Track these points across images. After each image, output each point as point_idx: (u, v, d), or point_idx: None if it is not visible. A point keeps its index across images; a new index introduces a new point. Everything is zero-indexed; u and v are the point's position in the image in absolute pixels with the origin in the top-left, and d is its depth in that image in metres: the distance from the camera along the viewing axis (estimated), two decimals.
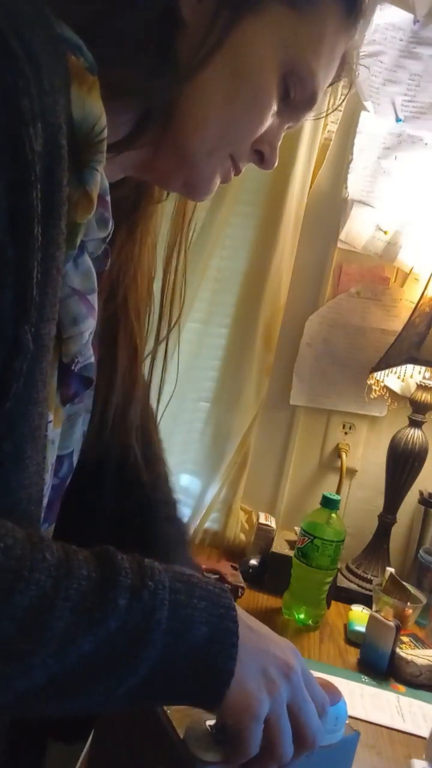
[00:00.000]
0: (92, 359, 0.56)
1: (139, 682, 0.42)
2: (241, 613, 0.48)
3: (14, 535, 0.40)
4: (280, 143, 0.60)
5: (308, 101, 0.58)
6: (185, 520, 0.81)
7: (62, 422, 0.55)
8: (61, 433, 0.56)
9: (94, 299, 0.53)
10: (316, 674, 0.57)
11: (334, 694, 0.60)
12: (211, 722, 0.53)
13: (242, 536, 1.39)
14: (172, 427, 1.40)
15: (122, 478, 0.73)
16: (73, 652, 0.40)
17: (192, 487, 1.42)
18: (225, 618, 0.46)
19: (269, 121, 0.57)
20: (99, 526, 0.70)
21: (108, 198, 0.51)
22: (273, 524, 1.32)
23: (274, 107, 0.56)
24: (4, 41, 0.39)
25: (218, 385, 1.39)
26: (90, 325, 0.53)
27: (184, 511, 1.42)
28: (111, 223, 0.53)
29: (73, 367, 0.52)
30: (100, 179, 0.48)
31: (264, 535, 1.30)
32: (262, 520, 1.32)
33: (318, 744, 0.51)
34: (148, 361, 0.70)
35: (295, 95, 0.56)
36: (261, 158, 0.60)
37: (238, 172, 0.60)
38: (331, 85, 0.61)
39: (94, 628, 0.40)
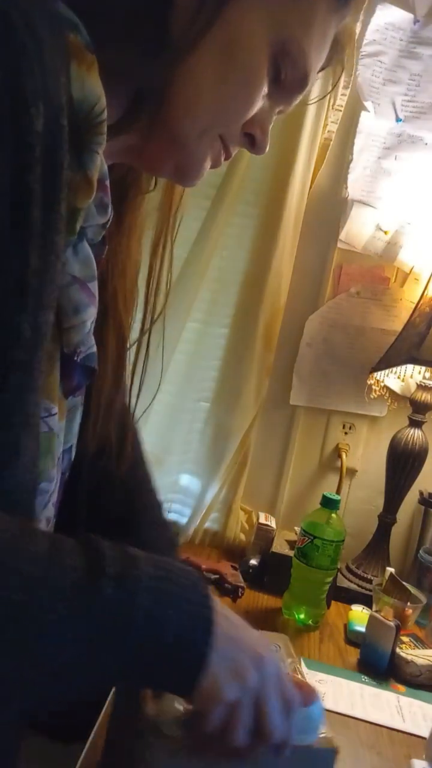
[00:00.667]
0: (94, 348, 0.55)
1: (119, 666, 0.44)
2: (219, 604, 0.49)
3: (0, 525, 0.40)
4: (270, 127, 0.60)
5: (299, 82, 0.57)
6: (170, 522, 0.81)
7: (65, 415, 0.55)
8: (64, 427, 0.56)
9: (94, 287, 0.53)
10: (316, 676, 0.57)
11: (310, 695, 0.60)
12: (182, 705, 0.55)
13: (242, 536, 1.39)
14: (172, 427, 1.40)
15: (100, 473, 0.72)
16: (57, 640, 0.40)
17: (192, 487, 1.42)
18: (203, 607, 0.47)
19: (260, 102, 0.56)
20: (80, 524, 0.70)
21: (107, 183, 0.51)
22: (273, 524, 1.32)
23: (265, 88, 0.55)
24: (6, 17, 0.38)
25: (218, 385, 1.39)
26: (91, 314, 0.52)
27: (184, 511, 1.43)
28: (110, 209, 0.53)
29: (75, 358, 0.52)
30: (100, 163, 0.47)
31: (264, 535, 1.30)
32: (262, 520, 1.32)
33: (279, 739, 0.51)
34: (132, 354, 0.69)
35: (287, 76, 0.55)
36: (252, 142, 0.59)
37: (228, 155, 0.59)
38: (323, 69, 0.61)
39: (78, 617, 0.41)
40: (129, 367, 0.70)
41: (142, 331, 0.69)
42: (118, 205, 0.64)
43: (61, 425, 0.53)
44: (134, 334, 0.71)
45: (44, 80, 0.40)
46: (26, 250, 0.41)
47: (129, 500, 0.76)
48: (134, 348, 0.69)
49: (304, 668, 0.98)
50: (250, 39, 0.52)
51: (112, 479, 0.73)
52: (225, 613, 0.49)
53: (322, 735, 0.61)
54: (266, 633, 0.79)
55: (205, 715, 0.48)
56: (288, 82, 0.56)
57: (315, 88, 1.26)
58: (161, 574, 0.46)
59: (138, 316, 0.69)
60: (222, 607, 0.49)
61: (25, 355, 0.42)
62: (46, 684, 0.43)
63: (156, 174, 0.62)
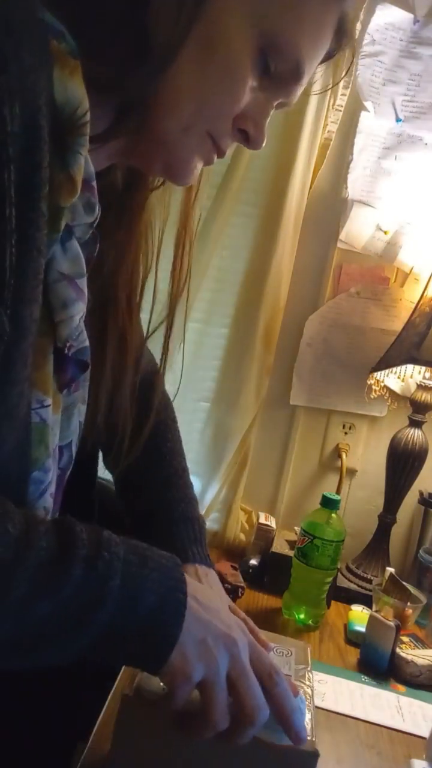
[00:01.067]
0: (86, 343, 0.56)
1: (89, 642, 0.46)
2: (193, 587, 0.51)
3: None
4: (266, 121, 0.59)
5: (292, 74, 0.56)
6: (194, 517, 0.81)
7: (60, 409, 0.55)
8: (60, 422, 0.56)
9: (83, 283, 0.53)
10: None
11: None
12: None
13: (242, 536, 1.39)
14: None
15: (109, 465, 0.73)
16: (30, 617, 0.43)
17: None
18: (175, 589, 0.49)
19: (246, 96, 0.55)
20: (90, 517, 0.71)
21: (94, 183, 0.51)
22: (273, 524, 1.32)
23: (252, 82, 0.55)
24: None
25: (218, 385, 1.39)
26: (80, 309, 0.53)
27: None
28: (98, 209, 0.53)
29: (66, 351, 0.53)
30: (84, 163, 0.48)
31: (264, 535, 1.30)
32: (262, 520, 1.32)
33: (261, 717, 0.53)
34: (161, 338, 0.72)
35: (276, 67, 0.55)
36: (246, 138, 0.59)
37: (220, 153, 0.58)
38: (331, 57, 0.60)
39: (50, 596, 0.43)
40: (158, 353, 0.73)
41: (168, 314, 0.73)
42: (119, 201, 0.64)
43: (56, 417, 0.54)
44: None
45: (21, 80, 0.40)
46: (2, 245, 0.41)
47: (152, 501, 0.78)
48: (163, 332, 0.72)
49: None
50: (229, 34, 0.52)
51: (133, 477, 0.75)
52: (198, 596, 0.51)
53: (306, 738, 0.61)
54: (289, 640, 0.80)
55: (173, 693, 0.50)
56: (278, 73, 0.55)
57: (317, 85, 1.26)
58: (133, 559, 0.48)
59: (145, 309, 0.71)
60: (197, 590, 0.51)
61: (6, 349, 0.43)
62: (15, 655, 0.45)
63: (149, 173, 0.62)
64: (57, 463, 0.58)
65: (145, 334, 0.75)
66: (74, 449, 0.62)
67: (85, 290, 0.54)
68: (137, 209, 0.66)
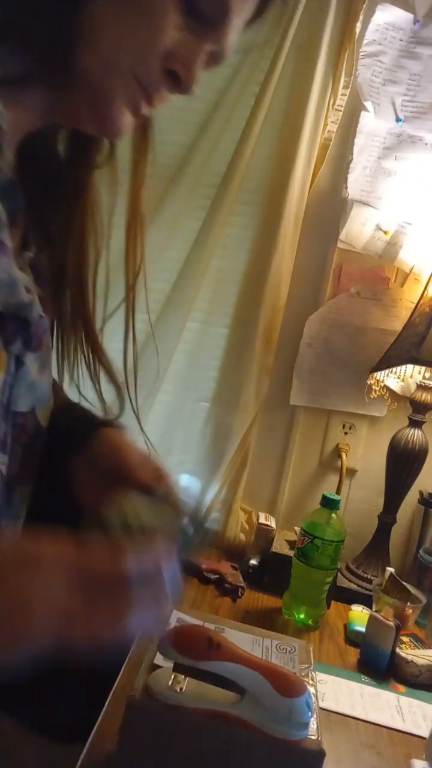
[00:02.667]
0: (26, 299, 0.54)
1: None
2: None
3: None
4: (197, 64, 0.56)
5: (219, 15, 0.54)
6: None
7: (5, 366, 0.54)
8: (19, 386, 0.56)
9: (4, 236, 0.52)
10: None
11: (297, 688, 0.60)
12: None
13: (242, 536, 1.39)
14: (172, 427, 1.40)
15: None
16: None
17: (192, 487, 1.42)
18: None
19: (170, 32, 0.53)
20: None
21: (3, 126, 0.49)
22: (273, 524, 1.32)
23: (175, 17, 0.53)
24: None
25: (218, 385, 1.39)
26: (5, 265, 0.51)
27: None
28: (8, 154, 0.52)
29: (1, 308, 0.52)
30: None
31: (264, 535, 1.30)
32: (262, 520, 1.32)
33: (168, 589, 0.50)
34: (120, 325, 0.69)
35: (201, 5, 0.53)
36: (176, 81, 0.56)
37: (149, 99, 0.56)
38: (265, 8, 0.59)
39: None
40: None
41: (126, 294, 0.68)
42: (68, 178, 0.63)
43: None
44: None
45: None
46: None
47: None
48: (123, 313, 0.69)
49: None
50: None
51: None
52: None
53: (311, 736, 0.61)
54: (290, 638, 0.81)
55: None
56: (204, 13, 0.53)
57: (317, 88, 1.26)
58: None
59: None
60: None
61: None
62: None
63: (77, 125, 0.59)
64: (22, 431, 0.58)
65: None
66: (41, 418, 0.61)
67: (8, 242, 0.52)
68: (81, 185, 0.64)
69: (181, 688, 0.63)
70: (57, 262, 0.64)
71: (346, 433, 1.42)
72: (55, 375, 0.68)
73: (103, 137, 0.62)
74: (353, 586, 1.27)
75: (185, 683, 0.64)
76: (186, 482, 1.43)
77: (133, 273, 0.68)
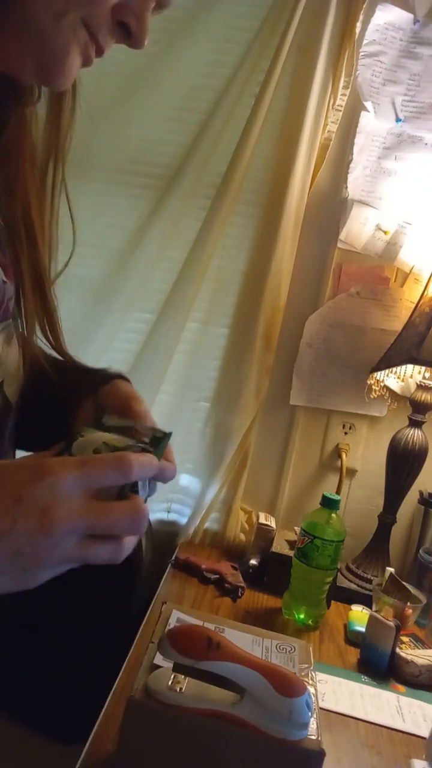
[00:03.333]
0: None
1: None
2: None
3: None
4: (148, 16, 0.53)
5: None
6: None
7: None
8: None
9: None
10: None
11: (297, 687, 0.60)
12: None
13: (242, 536, 1.39)
14: (172, 427, 1.40)
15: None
16: None
17: (192, 487, 1.42)
18: None
19: None
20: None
21: None
22: (273, 524, 1.32)
23: None
24: None
25: (218, 385, 1.39)
26: None
27: (184, 511, 1.43)
28: None
29: None
30: None
31: (264, 535, 1.30)
32: (262, 520, 1.32)
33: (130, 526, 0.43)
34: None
35: None
36: (127, 33, 0.52)
37: (99, 48, 0.52)
38: None
39: None
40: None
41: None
42: (0, 129, 0.57)
43: None
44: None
45: None
46: None
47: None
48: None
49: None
50: None
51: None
52: None
53: (311, 736, 0.61)
54: (290, 638, 0.81)
55: None
56: None
57: (317, 88, 1.26)
58: None
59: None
60: None
61: None
62: None
63: (18, 75, 0.53)
64: None
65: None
66: (7, 391, 0.58)
67: None
68: (12, 126, 0.58)
69: (181, 688, 0.63)
70: (6, 220, 0.59)
71: (346, 433, 1.42)
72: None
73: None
74: (353, 586, 1.27)
75: (185, 683, 0.64)
76: (186, 482, 1.43)
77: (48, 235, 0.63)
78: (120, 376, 0.70)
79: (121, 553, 0.43)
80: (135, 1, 0.51)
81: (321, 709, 0.88)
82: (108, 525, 0.41)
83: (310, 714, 0.61)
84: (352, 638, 1.11)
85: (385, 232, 1.35)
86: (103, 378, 0.69)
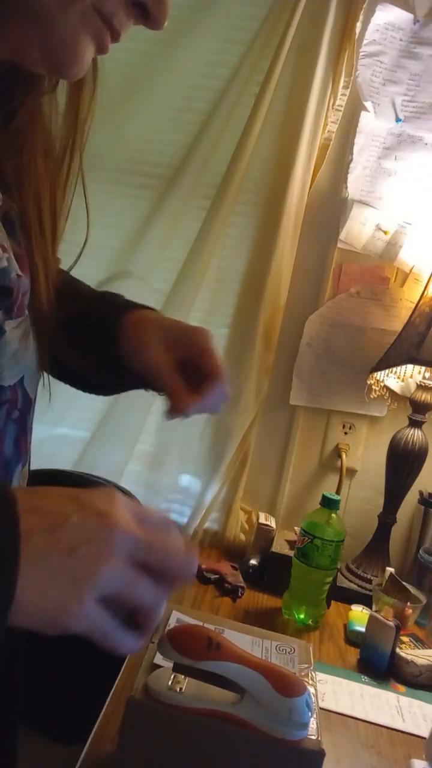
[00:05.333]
0: (4, 264, 0.50)
1: None
2: (25, 519, 0.36)
3: None
4: None
5: None
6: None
7: None
8: (1, 358, 0.52)
9: None
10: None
11: (297, 688, 0.60)
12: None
13: (242, 536, 1.39)
14: (172, 427, 1.40)
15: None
16: None
17: (192, 487, 1.42)
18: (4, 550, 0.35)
19: None
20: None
21: None
22: (273, 524, 1.32)
23: None
24: None
25: None
26: None
27: (184, 511, 1.42)
28: None
29: None
30: None
31: (264, 535, 1.30)
32: (262, 520, 1.32)
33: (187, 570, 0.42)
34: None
35: None
36: (144, 14, 0.48)
37: (114, 34, 0.48)
38: None
39: None
40: None
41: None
42: (11, 105, 0.54)
43: None
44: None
45: None
46: None
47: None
48: None
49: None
50: None
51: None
52: (32, 526, 0.36)
53: (311, 736, 0.61)
54: (291, 639, 0.81)
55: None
56: None
57: (317, 88, 1.26)
58: None
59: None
60: (26, 497, 0.37)
61: None
62: None
63: (29, 66, 0.49)
64: (13, 406, 0.54)
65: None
66: (29, 388, 0.58)
67: None
68: (27, 116, 0.55)
69: (180, 688, 0.63)
70: (18, 209, 0.57)
71: (346, 433, 1.42)
72: None
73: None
74: (353, 586, 1.27)
75: (185, 683, 0.64)
76: (186, 482, 1.43)
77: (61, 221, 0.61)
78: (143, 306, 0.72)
79: (162, 600, 0.40)
80: None
81: (321, 709, 0.88)
82: (164, 551, 0.39)
83: (310, 714, 0.61)
84: (352, 638, 1.11)
85: (385, 232, 1.35)
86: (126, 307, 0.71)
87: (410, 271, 1.35)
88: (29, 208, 0.57)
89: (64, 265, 0.69)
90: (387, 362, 1.26)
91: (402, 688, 1.00)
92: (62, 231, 0.61)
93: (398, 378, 1.31)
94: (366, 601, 1.21)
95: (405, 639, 1.08)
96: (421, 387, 1.27)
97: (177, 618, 0.79)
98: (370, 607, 1.17)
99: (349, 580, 1.29)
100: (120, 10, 0.47)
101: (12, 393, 0.55)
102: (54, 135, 0.57)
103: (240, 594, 1.18)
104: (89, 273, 1.42)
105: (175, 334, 0.69)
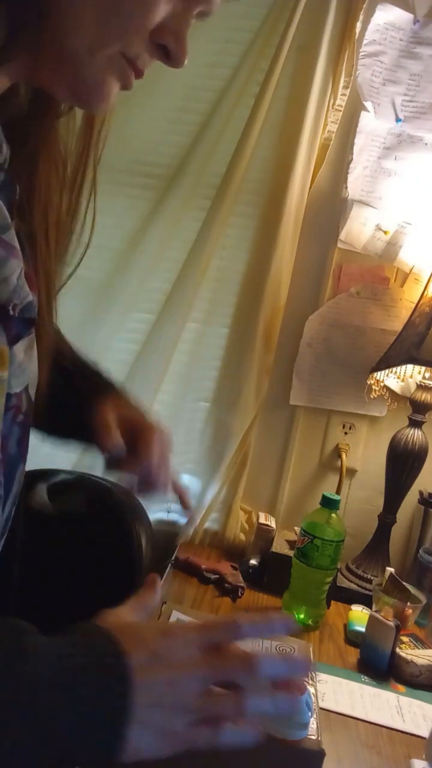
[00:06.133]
0: (30, 298, 0.53)
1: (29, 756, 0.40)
2: (133, 669, 0.43)
3: None
4: (187, 34, 0.51)
5: None
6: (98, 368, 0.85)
7: (8, 362, 0.53)
8: (14, 370, 0.55)
9: (11, 237, 0.49)
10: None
11: (295, 687, 0.60)
12: None
13: (242, 536, 1.40)
14: (172, 427, 1.40)
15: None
16: None
17: (192, 487, 1.42)
18: (114, 701, 0.42)
19: (163, 7, 0.48)
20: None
21: None
22: (273, 524, 1.32)
23: None
24: None
25: (218, 385, 1.39)
26: (14, 267, 0.49)
27: (184, 511, 1.43)
28: (5, 148, 0.49)
29: (11, 312, 0.50)
30: None
31: (264, 535, 1.30)
32: (262, 520, 1.32)
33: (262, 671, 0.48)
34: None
35: None
36: (166, 54, 0.51)
37: (138, 73, 0.51)
38: None
39: None
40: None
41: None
42: (28, 129, 0.56)
43: (3, 374, 0.52)
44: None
45: None
46: None
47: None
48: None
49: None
50: None
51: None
52: (142, 677, 0.43)
53: (311, 736, 0.61)
54: (291, 639, 0.81)
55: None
56: None
57: (317, 88, 1.26)
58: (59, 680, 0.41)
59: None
60: (137, 671, 0.43)
61: None
62: None
63: (56, 97, 0.53)
64: (18, 411, 0.57)
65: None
66: (32, 392, 0.61)
67: (16, 243, 0.50)
68: (43, 136, 0.57)
69: None
70: (27, 227, 0.58)
71: (346, 433, 1.42)
72: None
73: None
74: (353, 586, 1.27)
75: None
76: (186, 482, 1.43)
77: (77, 241, 0.63)
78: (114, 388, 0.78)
79: (220, 739, 0.48)
80: (173, 21, 0.49)
81: (321, 709, 0.88)
82: (225, 672, 0.47)
83: (309, 714, 0.61)
84: (352, 638, 1.11)
85: (385, 232, 1.35)
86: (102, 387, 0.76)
87: (410, 271, 1.35)
88: (38, 223, 0.58)
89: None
90: (387, 362, 1.26)
91: (402, 688, 1.00)
92: (68, 245, 0.62)
93: (398, 378, 1.31)
94: (366, 601, 1.21)
95: (405, 639, 1.08)
96: (421, 387, 1.27)
97: (177, 618, 0.79)
98: (370, 607, 1.17)
99: (349, 580, 1.29)
100: (144, 52, 0.49)
101: (18, 399, 0.57)
102: (67, 153, 0.60)
103: (240, 594, 1.18)
104: (89, 273, 1.43)
105: (129, 420, 0.76)
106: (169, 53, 0.50)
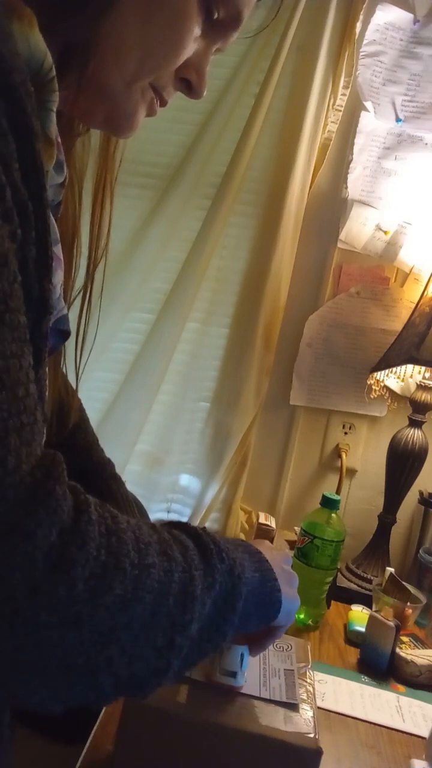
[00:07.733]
0: (65, 311, 0.54)
1: (235, 622, 0.52)
2: (265, 551, 0.61)
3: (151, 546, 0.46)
4: (207, 68, 0.57)
5: (234, 20, 0.55)
6: (120, 478, 0.86)
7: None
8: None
9: (59, 250, 0.51)
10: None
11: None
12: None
13: (242, 536, 1.39)
14: (172, 427, 1.40)
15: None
16: (203, 611, 0.49)
17: (192, 487, 1.42)
18: (263, 561, 0.60)
19: (192, 45, 0.53)
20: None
21: (59, 140, 0.49)
22: (273, 524, 1.32)
23: (197, 30, 0.53)
24: None
25: (218, 385, 1.39)
26: (60, 278, 0.52)
27: (184, 511, 1.43)
28: (65, 168, 0.51)
29: (50, 323, 0.51)
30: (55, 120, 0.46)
31: (264, 535, 1.30)
32: (262, 520, 1.32)
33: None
34: (77, 306, 0.67)
35: (219, 15, 0.53)
36: (188, 86, 0.57)
37: (163, 102, 0.57)
38: None
39: (209, 594, 0.50)
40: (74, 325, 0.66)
41: (86, 279, 0.66)
42: None
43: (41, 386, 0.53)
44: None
45: (8, 53, 0.38)
46: (45, 216, 0.40)
47: (84, 457, 0.80)
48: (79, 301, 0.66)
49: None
50: None
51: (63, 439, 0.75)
52: (271, 559, 0.61)
53: (309, 735, 0.61)
54: (288, 636, 0.81)
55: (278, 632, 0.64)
56: (221, 20, 0.54)
57: (317, 88, 1.26)
58: (250, 576, 0.56)
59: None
60: (263, 551, 0.61)
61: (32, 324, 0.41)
62: (199, 647, 0.50)
63: (88, 125, 0.59)
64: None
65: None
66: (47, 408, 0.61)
67: (62, 256, 0.52)
68: (67, 159, 0.60)
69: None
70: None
71: (346, 433, 1.42)
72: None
73: None
74: (353, 586, 1.27)
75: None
76: (186, 482, 1.43)
77: (94, 260, 0.66)
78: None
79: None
80: (196, 58, 0.55)
81: (321, 709, 0.88)
82: None
83: (241, 665, 0.64)
84: (352, 638, 1.11)
85: (385, 232, 1.35)
86: None
87: (410, 271, 1.35)
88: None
89: None
90: (387, 362, 1.26)
91: (402, 688, 1.00)
92: (77, 264, 0.65)
93: (398, 378, 1.31)
94: (366, 601, 1.21)
95: (405, 639, 1.08)
96: (421, 387, 1.27)
97: None
98: (370, 607, 1.17)
99: (349, 580, 1.29)
100: (169, 84, 0.55)
101: None
102: (82, 171, 0.65)
103: None
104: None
105: None
106: (191, 86, 0.56)
